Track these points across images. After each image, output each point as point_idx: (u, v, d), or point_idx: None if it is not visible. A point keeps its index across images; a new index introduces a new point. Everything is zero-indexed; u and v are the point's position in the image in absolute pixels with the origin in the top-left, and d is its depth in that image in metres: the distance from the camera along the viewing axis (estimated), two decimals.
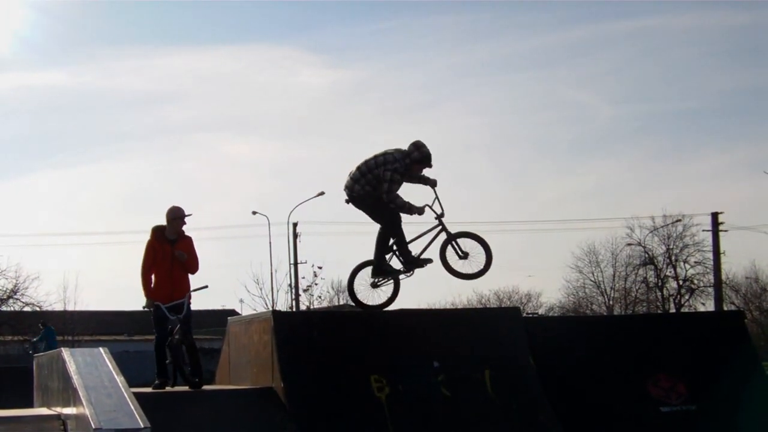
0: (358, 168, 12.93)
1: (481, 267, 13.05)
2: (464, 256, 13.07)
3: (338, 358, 12.40)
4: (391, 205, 12.83)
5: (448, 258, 13.07)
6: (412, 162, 12.88)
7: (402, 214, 13.01)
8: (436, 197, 13.08)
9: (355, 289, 13.32)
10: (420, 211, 12.93)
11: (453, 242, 13.06)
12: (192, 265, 12.83)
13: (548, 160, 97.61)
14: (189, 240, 12.88)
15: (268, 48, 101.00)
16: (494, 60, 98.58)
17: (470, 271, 13.14)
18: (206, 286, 13.10)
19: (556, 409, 12.73)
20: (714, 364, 14.06)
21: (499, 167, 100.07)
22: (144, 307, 12.84)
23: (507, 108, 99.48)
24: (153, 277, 12.70)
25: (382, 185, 12.78)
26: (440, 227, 13.11)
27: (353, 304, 13.66)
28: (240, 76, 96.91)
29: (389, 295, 13.29)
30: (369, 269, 13.25)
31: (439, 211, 13.04)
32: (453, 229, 13.16)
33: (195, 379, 12.55)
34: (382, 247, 13.07)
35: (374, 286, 13.28)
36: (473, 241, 13.14)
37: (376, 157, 12.93)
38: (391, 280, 13.22)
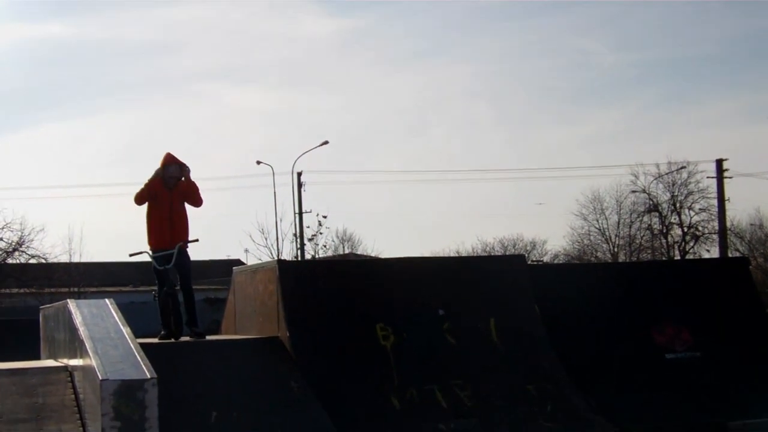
0: None
1: None
2: None
3: (343, 307, 12.42)
4: None
5: None
6: None
7: None
8: None
9: None
10: None
11: None
12: (194, 197, 12.75)
13: (551, 107, 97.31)
14: (189, 183, 12.80)
15: None
16: (495, 7, 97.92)
17: None
18: (197, 240, 13.02)
19: (560, 356, 12.76)
20: (718, 311, 14.07)
21: (501, 115, 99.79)
22: (130, 255, 12.83)
23: (509, 56, 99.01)
24: (151, 221, 12.65)
25: None
26: None
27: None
28: (242, 24, 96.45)
29: None
30: None
31: None
32: None
33: (195, 329, 12.56)
34: None
35: None
36: None
37: None
38: None
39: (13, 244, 48.16)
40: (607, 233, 63.93)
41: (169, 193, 12.63)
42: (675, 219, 58.48)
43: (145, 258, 12.84)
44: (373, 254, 52.51)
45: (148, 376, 8.52)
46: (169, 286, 12.47)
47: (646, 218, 60.23)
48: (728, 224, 53.17)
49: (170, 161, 12.71)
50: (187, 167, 12.77)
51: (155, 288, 12.78)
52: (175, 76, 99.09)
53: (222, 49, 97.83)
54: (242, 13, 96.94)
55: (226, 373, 11.35)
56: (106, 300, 11.68)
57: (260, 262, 31.37)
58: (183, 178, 12.73)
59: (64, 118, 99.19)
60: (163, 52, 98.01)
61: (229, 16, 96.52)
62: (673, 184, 57.90)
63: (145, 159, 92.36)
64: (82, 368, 10.03)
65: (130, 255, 12.82)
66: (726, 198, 51.71)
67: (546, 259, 69.27)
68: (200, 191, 12.80)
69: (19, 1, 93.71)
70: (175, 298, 12.49)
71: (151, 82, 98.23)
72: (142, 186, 12.68)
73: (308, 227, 48.93)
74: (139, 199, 12.63)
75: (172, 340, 12.44)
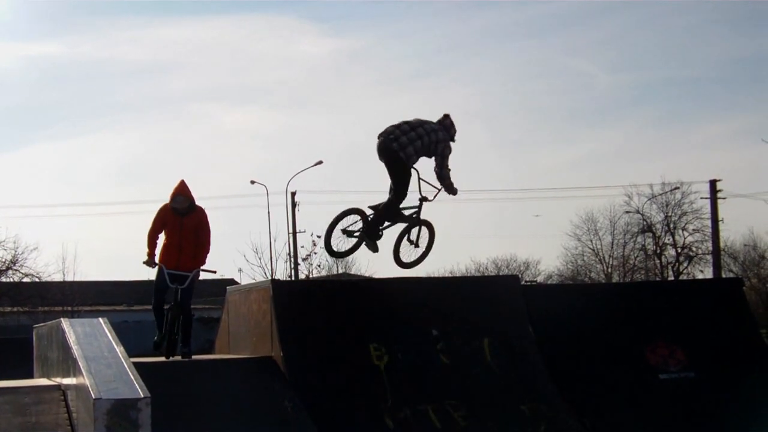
0: (414, 128, 12.92)
1: (413, 259, 13.62)
2: (415, 244, 13.54)
3: (337, 326, 12.41)
4: (446, 181, 12.99)
5: (403, 241, 13.54)
6: (451, 139, 13.04)
7: None
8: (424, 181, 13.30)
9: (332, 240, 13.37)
10: (455, 191, 13.08)
11: (414, 228, 13.48)
12: (204, 236, 12.74)
13: (546, 128, 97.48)
14: (200, 213, 12.78)
15: (267, 17, 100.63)
16: (491, 28, 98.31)
17: (406, 260, 13.63)
18: (215, 271, 13.03)
19: (554, 376, 12.77)
20: (712, 331, 14.09)
21: (496, 136, 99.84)
22: (144, 263, 12.74)
23: (504, 77, 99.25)
24: (163, 242, 12.64)
25: (438, 160, 12.89)
26: (418, 209, 13.39)
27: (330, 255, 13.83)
28: (238, 45, 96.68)
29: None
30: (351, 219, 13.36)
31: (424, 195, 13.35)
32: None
33: (184, 350, 12.53)
34: (390, 209, 13.20)
35: (348, 234, 13.38)
36: (428, 233, 13.54)
37: (433, 130, 12.98)
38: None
39: (7, 262, 48.10)
40: (600, 254, 64.06)
41: (180, 219, 12.57)
42: (669, 240, 58.65)
43: (146, 270, 12.87)
44: (366, 274, 52.43)
45: (142, 395, 8.51)
46: (176, 305, 12.44)
47: (639, 239, 60.39)
48: (722, 245, 53.32)
49: (178, 192, 12.65)
50: (203, 210, 12.79)
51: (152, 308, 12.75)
52: (170, 97, 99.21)
53: (218, 69, 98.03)
54: (239, 34, 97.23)
55: (219, 392, 11.33)
56: (100, 319, 11.67)
57: (254, 281, 31.34)
58: (194, 208, 12.72)
59: (58, 137, 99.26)
60: (159, 72, 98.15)
61: (225, 37, 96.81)
62: (667, 205, 58.10)
63: (141, 179, 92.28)
64: (76, 387, 10.02)
65: (144, 263, 12.73)
66: (720, 219, 51.85)
67: (540, 279, 69.27)
68: (210, 235, 12.82)
69: (13, 21, 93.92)
70: (179, 318, 12.49)
71: (147, 102, 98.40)
72: (150, 224, 12.69)
73: (302, 247, 48.99)
74: (151, 239, 12.63)
75: (163, 358, 12.41)
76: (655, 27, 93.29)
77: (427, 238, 13.53)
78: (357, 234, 13.25)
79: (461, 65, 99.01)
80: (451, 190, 13.03)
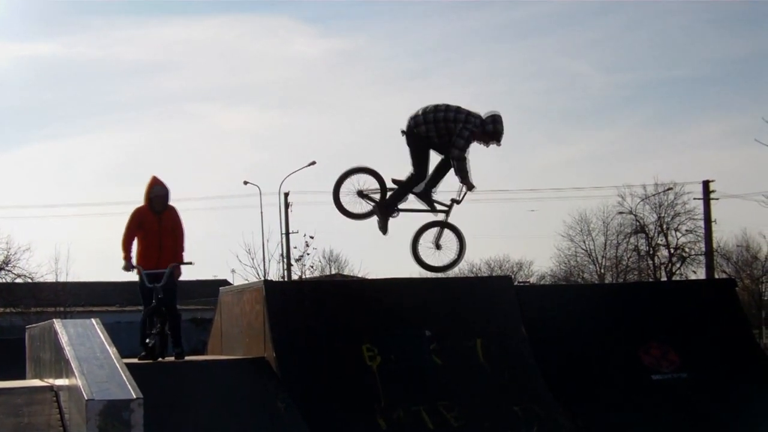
0: (438, 111, 12.44)
1: (443, 264, 13.06)
2: (438, 246, 12.96)
3: (330, 327, 12.40)
4: (456, 162, 12.45)
5: (421, 239, 13.03)
6: (484, 132, 12.50)
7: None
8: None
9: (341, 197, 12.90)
10: (471, 186, 12.59)
11: (438, 228, 12.99)
12: (178, 236, 12.72)
13: (540, 129, 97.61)
14: (173, 211, 12.76)
15: (263, 18, 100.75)
16: (486, 28, 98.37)
17: (432, 263, 13.07)
18: (191, 263, 12.93)
19: (547, 376, 12.77)
20: (705, 332, 14.11)
21: None
22: (123, 268, 12.67)
23: (499, 76, 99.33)
24: (140, 244, 12.60)
25: (452, 139, 12.34)
26: (448, 210, 12.93)
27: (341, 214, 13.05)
28: (233, 45, 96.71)
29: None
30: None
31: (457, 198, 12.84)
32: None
33: (177, 350, 12.50)
34: (407, 186, 12.78)
35: (364, 197, 12.89)
36: (455, 237, 12.99)
37: (458, 110, 12.47)
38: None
39: None
40: (593, 254, 64.16)
41: (158, 217, 12.55)
42: (662, 240, 58.71)
43: (132, 275, 12.77)
44: (359, 275, 52.45)
45: (134, 396, 8.49)
46: (158, 305, 12.34)
47: (632, 239, 60.43)
48: (715, 245, 53.36)
49: (155, 182, 12.63)
50: (175, 209, 12.77)
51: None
52: (166, 97, 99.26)
53: (213, 69, 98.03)
54: (234, 35, 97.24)
55: (212, 393, 11.32)
56: (92, 320, 11.64)
57: (247, 282, 31.28)
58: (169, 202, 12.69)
59: (52, 137, 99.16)
60: (155, 72, 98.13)
61: (221, 37, 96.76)
62: (660, 206, 58.15)
63: (135, 179, 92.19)
64: (68, 388, 10.00)
65: (123, 268, 12.66)
66: (713, 219, 51.88)
67: (533, 280, 69.37)
68: (185, 238, 12.79)
69: (9, 21, 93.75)
70: (165, 318, 12.40)
71: (142, 102, 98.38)
72: (125, 228, 12.63)
73: (295, 248, 48.88)
74: (126, 242, 12.58)
75: (150, 360, 12.31)
76: (649, 27, 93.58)
77: (457, 244, 12.94)
78: (373, 201, 12.83)
79: (455, 65, 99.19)
80: (466, 181, 12.52)
